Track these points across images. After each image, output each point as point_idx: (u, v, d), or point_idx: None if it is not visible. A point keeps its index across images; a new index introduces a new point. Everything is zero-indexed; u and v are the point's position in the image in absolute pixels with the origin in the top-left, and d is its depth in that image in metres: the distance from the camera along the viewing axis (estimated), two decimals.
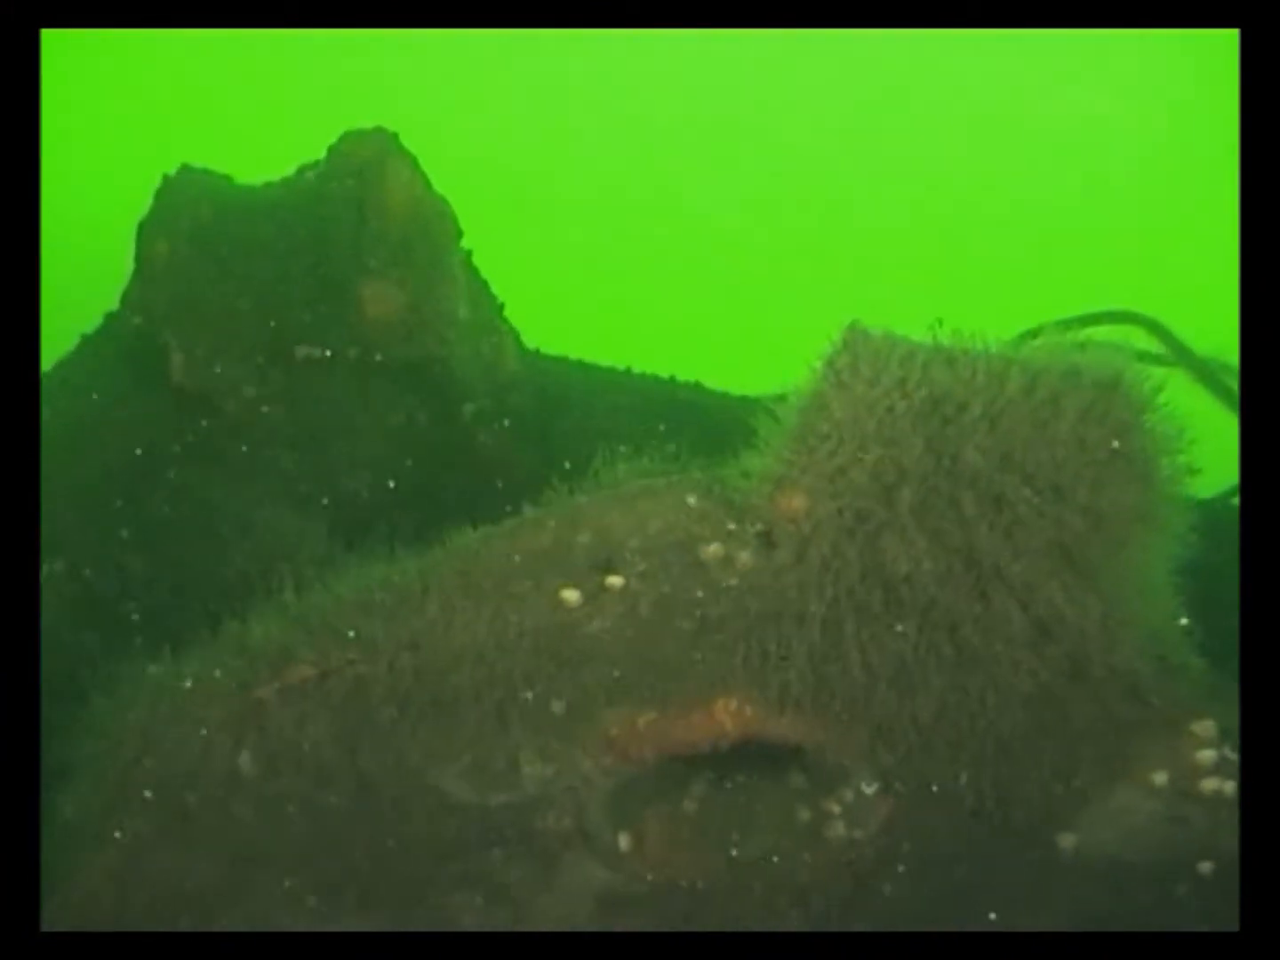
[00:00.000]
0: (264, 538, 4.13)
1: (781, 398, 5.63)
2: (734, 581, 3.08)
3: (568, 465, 4.24)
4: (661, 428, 4.91)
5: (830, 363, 3.02)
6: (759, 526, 3.08)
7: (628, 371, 5.25)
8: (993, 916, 2.96)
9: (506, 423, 4.53)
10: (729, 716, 3.05)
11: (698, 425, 5.04)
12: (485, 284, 4.68)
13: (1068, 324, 5.59)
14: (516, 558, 3.20)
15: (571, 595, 3.13)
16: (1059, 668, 2.96)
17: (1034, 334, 5.59)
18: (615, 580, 3.13)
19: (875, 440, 2.94)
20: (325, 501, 4.33)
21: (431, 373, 4.43)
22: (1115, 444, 2.87)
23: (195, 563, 4.12)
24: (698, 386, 5.34)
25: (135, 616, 4.09)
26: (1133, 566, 2.93)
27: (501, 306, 4.74)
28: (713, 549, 3.11)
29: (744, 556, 3.09)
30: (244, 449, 4.34)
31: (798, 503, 3.00)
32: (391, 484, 4.41)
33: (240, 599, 3.54)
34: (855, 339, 3.01)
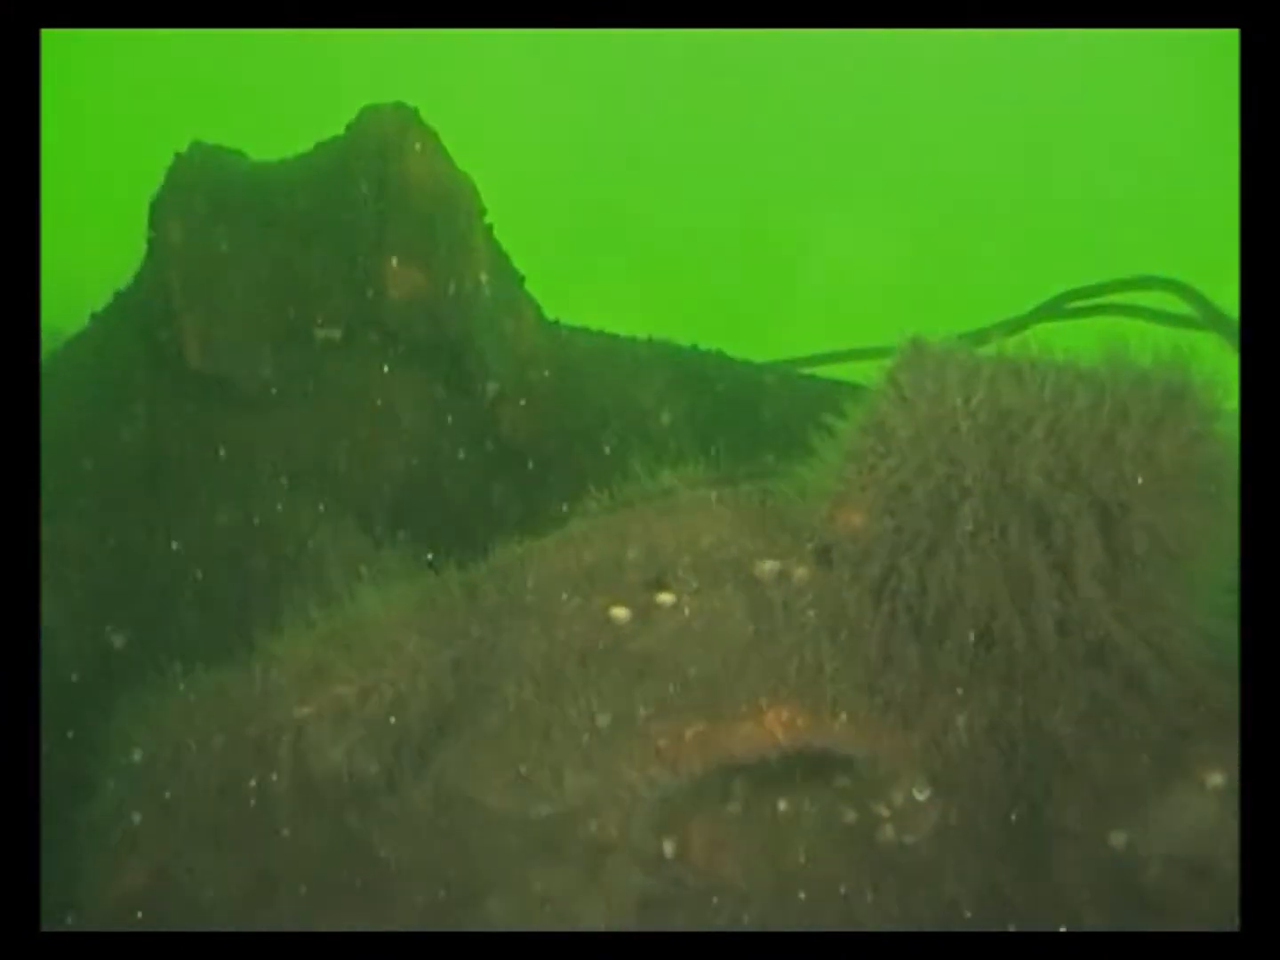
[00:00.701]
0: (288, 529, 4.04)
1: (801, 362, 5.61)
2: (789, 597, 3.05)
3: (605, 451, 4.21)
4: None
5: (892, 378, 2.96)
6: (816, 543, 3.06)
7: (649, 341, 5.18)
8: (1063, 929, 2.94)
9: (530, 401, 4.43)
10: (780, 727, 3.02)
11: (721, 395, 5.00)
12: (507, 257, 4.57)
13: (1101, 289, 5.60)
14: (563, 575, 3.18)
15: (621, 613, 3.10)
16: (1115, 684, 2.93)
17: (1068, 297, 5.62)
18: (666, 598, 3.10)
19: (938, 459, 2.90)
20: (349, 488, 4.23)
21: (454, 353, 4.32)
22: (1184, 459, 2.83)
23: (216, 556, 4.04)
24: (719, 355, 5.27)
25: (155, 615, 3.99)
26: (1197, 577, 2.89)
27: (523, 279, 4.63)
28: (768, 566, 3.09)
29: (800, 573, 3.06)
30: (263, 434, 4.23)
31: (857, 520, 2.97)
32: (415, 467, 4.31)
33: (269, 597, 3.49)
34: (918, 354, 2.95)
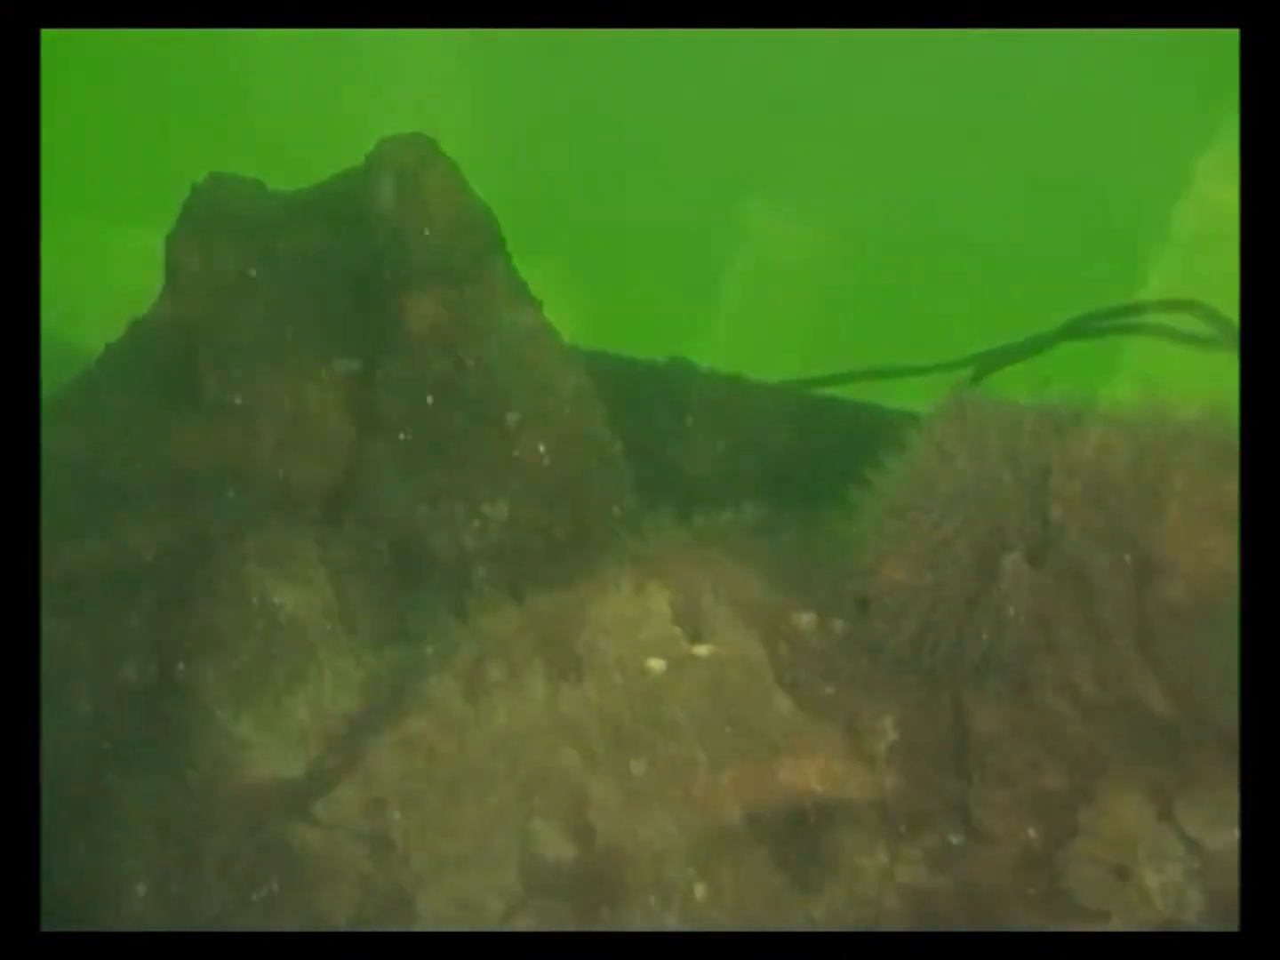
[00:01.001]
0: (311, 570, 3.96)
1: (817, 382, 5.55)
2: (827, 649, 3.13)
3: (631, 483, 4.17)
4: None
5: (932, 433, 3.00)
6: (856, 596, 3.11)
7: (666, 364, 5.16)
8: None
9: (551, 431, 4.40)
10: (816, 774, 3.06)
11: (743, 422, 4.96)
12: (524, 284, 4.55)
13: (1122, 311, 5.56)
14: (598, 624, 3.23)
15: (656, 664, 3.15)
16: (1150, 732, 2.97)
17: (1089, 320, 5.57)
18: (702, 650, 3.16)
19: (981, 513, 2.93)
20: (368, 524, 4.14)
21: (474, 384, 4.30)
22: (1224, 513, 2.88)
23: (235, 596, 3.93)
24: (737, 378, 5.24)
25: (170, 653, 3.86)
26: (1231, 625, 2.88)
27: (540, 305, 4.61)
28: (806, 618, 3.16)
29: (838, 625, 3.13)
30: (281, 468, 4.21)
31: (900, 575, 3.01)
32: (437, 500, 4.26)
33: (291, 643, 3.50)
34: (959, 406, 3.02)
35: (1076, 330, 5.59)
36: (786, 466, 4.86)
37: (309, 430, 4.23)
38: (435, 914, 3.11)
